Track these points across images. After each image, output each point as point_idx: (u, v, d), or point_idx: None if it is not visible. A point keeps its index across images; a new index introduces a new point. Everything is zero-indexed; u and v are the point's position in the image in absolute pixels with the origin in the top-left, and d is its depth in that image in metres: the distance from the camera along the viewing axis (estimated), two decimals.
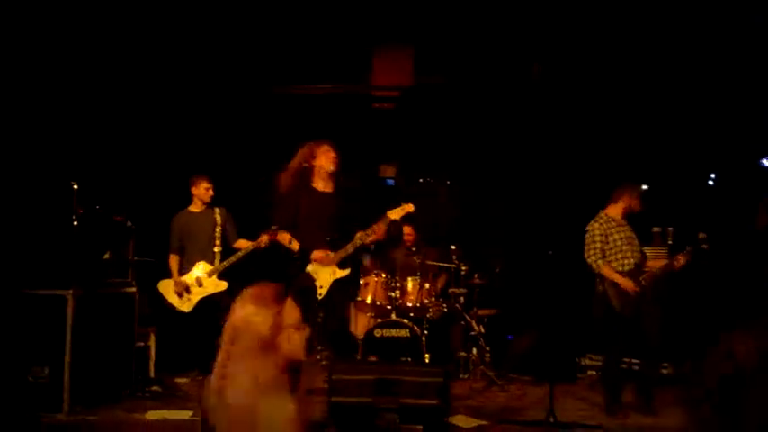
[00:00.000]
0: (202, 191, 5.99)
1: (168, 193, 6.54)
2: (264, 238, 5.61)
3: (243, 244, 5.94)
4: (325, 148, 5.01)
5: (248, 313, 2.24)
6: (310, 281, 4.89)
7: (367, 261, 6.77)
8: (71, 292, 4.72)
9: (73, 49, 5.99)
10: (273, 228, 5.36)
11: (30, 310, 4.74)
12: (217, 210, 6.03)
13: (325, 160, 4.96)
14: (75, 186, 4.98)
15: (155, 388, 5.36)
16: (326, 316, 5.48)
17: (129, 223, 5.58)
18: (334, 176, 5.03)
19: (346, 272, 4.95)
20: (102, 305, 5.06)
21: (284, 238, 4.99)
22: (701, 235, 6.20)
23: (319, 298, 4.87)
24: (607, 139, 7.16)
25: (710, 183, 6.89)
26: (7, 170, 5.34)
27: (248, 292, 2.33)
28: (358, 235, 4.94)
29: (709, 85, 6.53)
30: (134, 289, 5.45)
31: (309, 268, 4.92)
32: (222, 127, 7.45)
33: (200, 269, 5.91)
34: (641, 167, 6.76)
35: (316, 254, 4.90)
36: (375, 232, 4.87)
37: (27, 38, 5.59)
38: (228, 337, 2.23)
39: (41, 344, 4.70)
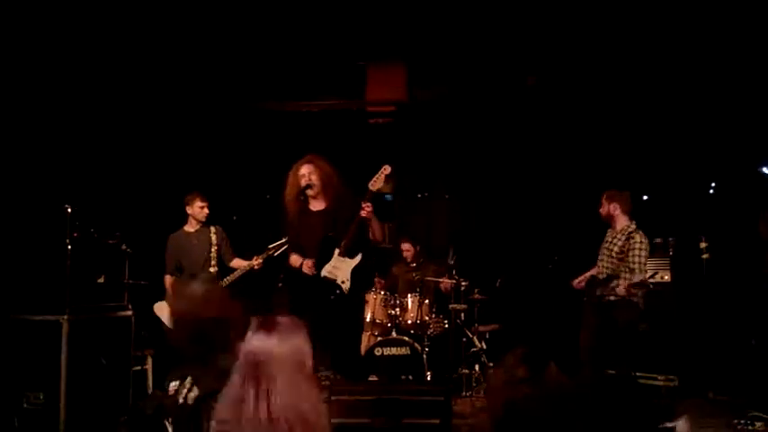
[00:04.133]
0: (197, 209, 5.90)
1: (162, 215, 6.49)
2: (258, 260, 5.57)
3: (239, 263, 5.86)
4: (296, 167, 4.87)
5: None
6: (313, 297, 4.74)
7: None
8: (66, 317, 4.65)
9: (66, 73, 5.97)
10: (269, 247, 5.29)
11: (24, 335, 4.67)
12: (212, 229, 5.92)
13: (299, 180, 4.84)
14: (69, 210, 4.93)
15: None
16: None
17: (123, 246, 5.52)
18: (324, 192, 4.88)
19: (358, 258, 4.75)
20: (97, 329, 4.99)
21: (295, 261, 4.88)
22: (703, 244, 6.18)
23: (347, 293, 4.73)
24: (606, 150, 7.11)
25: (711, 192, 6.84)
26: (0, 194, 5.30)
27: None
28: (356, 221, 4.73)
29: (707, 94, 6.49)
30: (130, 312, 5.37)
31: (326, 272, 4.79)
32: (217, 146, 7.42)
33: None
34: (641, 178, 6.72)
35: (306, 267, 4.77)
36: (366, 209, 4.67)
37: (20, 61, 5.57)
38: None
39: (36, 370, 4.61)
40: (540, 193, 7.40)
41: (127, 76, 6.50)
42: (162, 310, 5.88)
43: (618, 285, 5.18)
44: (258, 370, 1.91)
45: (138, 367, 5.55)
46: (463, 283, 6.40)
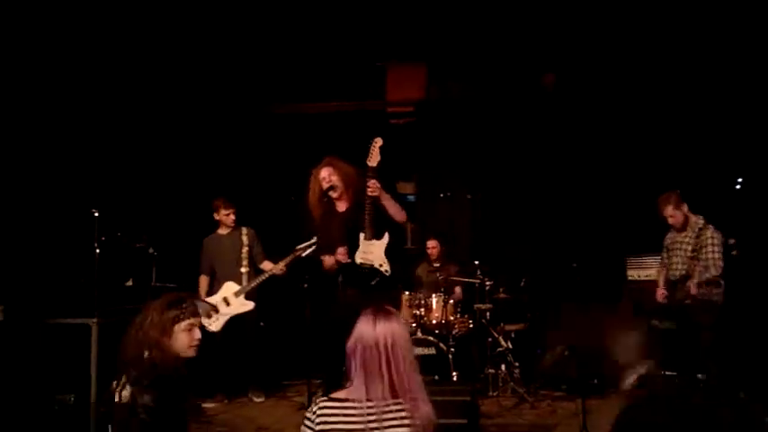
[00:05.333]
0: (223, 216, 6.12)
1: (188, 218, 6.56)
2: (281, 266, 5.72)
3: (268, 266, 5.99)
4: (316, 171, 4.85)
5: None
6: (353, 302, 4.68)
7: None
8: (95, 320, 4.71)
9: (91, 81, 6.04)
10: (298, 248, 5.31)
11: (54, 338, 4.74)
12: (244, 230, 6.11)
13: (321, 183, 4.81)
14: (96, 214, 5.00)
15: None
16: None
17: (150, 249, 5.60)
18: (347, 192, 4.80)
19: (386, 238, 4.66)
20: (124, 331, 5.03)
21: (329, 261, 4.83)
22: (731, 241, 6.08)
23: (387, 274, 4.63)
24: (629, 146, 7.03)
25: (738, 187, 6.73)
26: (29, 200, 5.37)
27: None
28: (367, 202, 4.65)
29: (730, 87, 6.40)
30: None
31: (360, 258, 4.65)
32: (240, 149, 7.46)
33: (227, 289, 5.97)
34: (666, 174, 6.64)
35: (339, 255, 4.74)
36: (371, 187, 4.60)
37: (48, 67, 5.65)
38: None
39: (67, 372, 4.68)
40: (563, 190, 7.33)
41: (152, 82, 6.56)
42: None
43: (689, 287, 5.13)
44: (387, 353, 2.30)
45: None
46: (488, 283, 6.37)
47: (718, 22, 5.88)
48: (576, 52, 6.78)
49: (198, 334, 2.94)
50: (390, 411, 2.28)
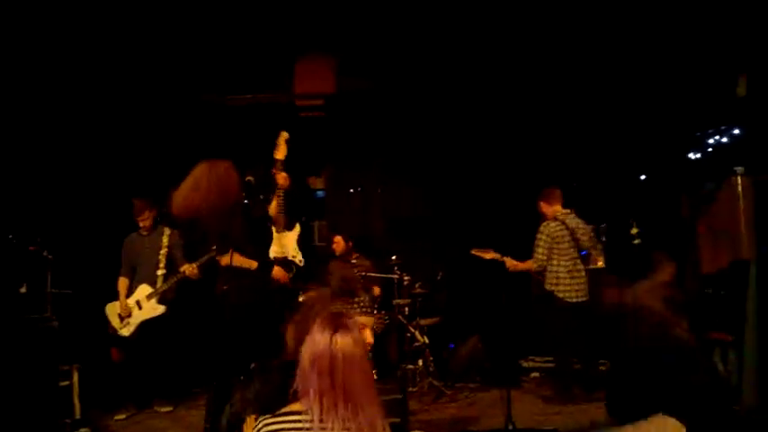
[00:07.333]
0: (138, 220, 5.75)
1: (87, 217, 6.09)
2: (187, 269, 5.42)
3: (186, 268, 5.61)
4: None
5: None
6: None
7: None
8: None
9: None
10: (212, 250, 5.06)
11: None
12: (167, 231, 5.78)
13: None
14: None
15: (83, 430, 4.95)
16: None
17: (45, 253, 5.14)
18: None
19: (297, 229, 4.87)
20: (19, 343, 4.61)
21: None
22: (634, 230, 6.35)
23: (301, 264, 4.84)
24: (541, 140, 7.18)
25: (641, 178, 7.03)
26: None
27: None
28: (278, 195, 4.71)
29: (637, 83, 6.62)
30: (54, 323, 5.00)
31: (273, 253, 4.74)
32: (143, 142, 6.99)
33: (141, 292, 5.65)
34: (573, 167, 6.84)
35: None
36: (281, 179, 4.67)
37: None
38: None
39: None
40: (475, 182, 7.39)
41: (48, 72, 6.04)
42: (112, 310, 5.67)
43: None
44: (337, 367, 1.98)
45: (66, 382, 5.16)
46: (406, 278, 6.35)
47: (630, 16, 6.03)
48: (486, 42, 6.77)
49: (369, 337, 2.31)
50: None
